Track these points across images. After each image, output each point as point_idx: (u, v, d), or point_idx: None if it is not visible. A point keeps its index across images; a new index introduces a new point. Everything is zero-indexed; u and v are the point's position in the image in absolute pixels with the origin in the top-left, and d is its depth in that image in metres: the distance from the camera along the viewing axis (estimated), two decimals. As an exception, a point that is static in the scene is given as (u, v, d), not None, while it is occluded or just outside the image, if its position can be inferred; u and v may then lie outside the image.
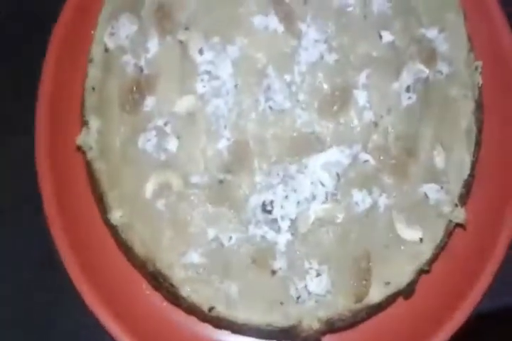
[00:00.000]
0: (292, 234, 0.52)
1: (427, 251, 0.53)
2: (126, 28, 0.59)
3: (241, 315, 0.51)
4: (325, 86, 0.55)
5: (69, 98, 0.60)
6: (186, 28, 0.58)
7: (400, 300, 0.56)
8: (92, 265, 0.55)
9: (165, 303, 0.55)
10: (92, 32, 0.60)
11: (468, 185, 0.56)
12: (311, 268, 0.52)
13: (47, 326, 0.58)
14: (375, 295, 0.52)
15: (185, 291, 0.51)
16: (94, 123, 0.56)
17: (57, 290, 0.57)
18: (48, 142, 0.57)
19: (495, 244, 0.56)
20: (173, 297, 0.53)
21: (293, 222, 0.52)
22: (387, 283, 0.52)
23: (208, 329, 0.55)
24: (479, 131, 0.58)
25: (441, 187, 0.54)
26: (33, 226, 0.58)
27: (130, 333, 0.53)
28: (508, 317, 0.62)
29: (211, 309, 0.51)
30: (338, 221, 0.52)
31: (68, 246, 0.55)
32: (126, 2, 0.60)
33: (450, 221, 0.55)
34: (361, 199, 0.53)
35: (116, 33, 0.59)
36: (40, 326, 0.58)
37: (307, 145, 0.54)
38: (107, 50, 0.59)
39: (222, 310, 0.51)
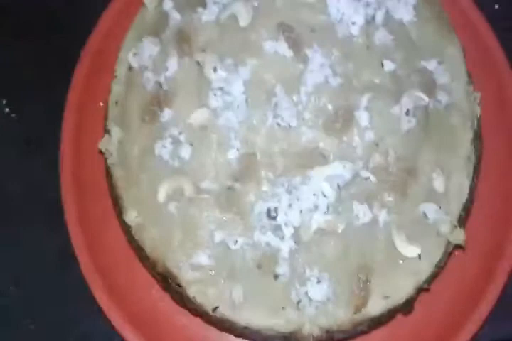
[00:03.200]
0: (295, 242, 0.55)
1: (425, 269, 0.55)
2: (149, 49, 0.64)
3: (244, 316, 0.54)
4: (329, 106, 0.59)
5: (93, 112, 0.66)
6: (203, 50, 0.63)
7: (400, 317, 0.58)
8: (106, 265, 0.59)
9: (172, 305, 0.58)
10: (118, 55, 0.66)
11: (467, 210, 0.59)
12: (312, 276, 0.54)
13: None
14: (374, 307, 0.54)
15: (192, 292, 0.54)
16: (115, 132, 0.61)
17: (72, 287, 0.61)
18: (72, 148, 0.62)
19: (495, 271, 0.58)
20: (180, 297, 0.56)
21: (296, 229, 0.55)
22: (386, 297, 0.54)
23: (212, 332, 0.57)
24: (478, 159, 0.61)
25: (440, 207, 0.57)
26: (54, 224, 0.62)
27: (138, 332, 0.56)
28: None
29: (215, 309, 0.54)
30: (339, 231, 0.54)
31: (84, 245, 0.59)
32: (149, 27, 0.67)
33: (449, 242, 0.57)
34: (362, 212, 0.55)
35: (140, 54, 0.65)
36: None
37: (311, 159, 0.57)
38: (130, 68, 0.65)
39: (225, 311, 0.54)
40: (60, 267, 0.62)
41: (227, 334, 0.57)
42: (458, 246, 0.58)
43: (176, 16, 0.65)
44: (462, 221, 0.58)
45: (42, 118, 0.68)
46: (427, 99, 0.59)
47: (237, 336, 0.57)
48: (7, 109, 0.70)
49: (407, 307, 0.56)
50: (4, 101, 0.70)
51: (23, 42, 0.73)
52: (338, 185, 0.55)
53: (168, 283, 0.56)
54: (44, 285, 0.62)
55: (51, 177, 0.62)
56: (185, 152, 0.58)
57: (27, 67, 0.71)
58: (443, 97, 0.60)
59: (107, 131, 0.61)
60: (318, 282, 0.54)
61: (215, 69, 0.62)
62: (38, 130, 0.68)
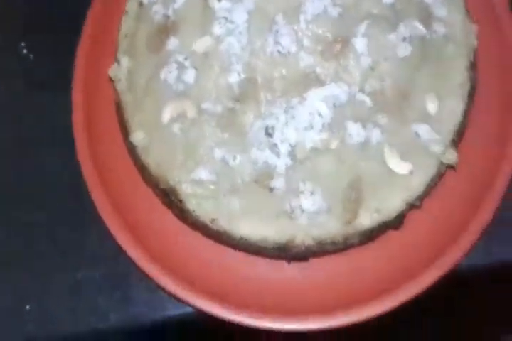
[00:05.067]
0: (291, 159, 0.57)
1: (416, 185, 0.57)
2: (158, -16, 0.68)
3: (241, 228, 0.56)
4: (327, 34, 0.60)
5: (105, 45, 0.69)
6: (209, -16, 0.66)
7: (391, 234, 0.59)
8: (113, 186, 0.62)
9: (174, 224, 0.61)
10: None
11: (460, 134, 0.60)
12: (305, 189, 0.56)
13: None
14: (365, 220, 0.56)
15: (191, 205, 0.57)
16: (124, 61, 0.64)
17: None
18: (84, 75, 0.65)
19: (488, 192, 0.58)
20: (181, 212, 0.59)
21: (292, 147, 0.57)
22: (378, 210, 0.56)
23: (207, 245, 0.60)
24: (473, 89, 0.62)
25: (432, 128, 0.58)
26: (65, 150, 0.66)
27: (137, 243, 0.60)
28: (501, 274, 0.64)
29: (213, 221, 0.57)
30: (332, 147, 0.56)
31: (93, 166, 0.62)
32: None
33: (441, 162, 0.58)
34: (355, 131, 0.57)
35: (149, -11, 0.68)
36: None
37: (309, 82, 0.59)
38: (141, 4, 0.68)
39: (223, 222, 0.57)
40: (73, 190, 0.66)
41: (225, 250, 0.60)
42: (450, 167, 0.59)
43: (182, -48, 0.67)
44: (455, 143, 0.59)
45: (59, 59, 0.70)
46: (423, 28, 0.60)
47: (235, 248, 0.60)
48: (25, 51, 0.74)
49: (397, 222, 0.58)
50: (23, 44, 0.74)
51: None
52: (334, 105, 0.57)
53: (171, 199, 0.58)
54: (60, 207, 0.66)
55: (62, 110, 0.65)
56: (190, 76, 0.61)
57: (43, 11, 0.75)
58: (440, 28, 0.61)
59: (117, 61, 0.65)
60: (312, 194, 0.56)
61: (219, 0, 0.64)
62: (55, 70, 0.71)
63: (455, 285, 0.60)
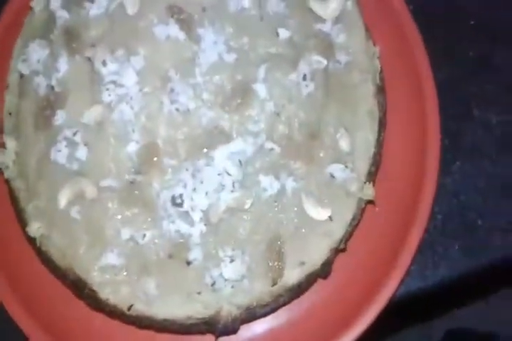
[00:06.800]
0: (205, 225, 0.53)
1: (337, 229, 0.54)
2: (38, 53, 0.61)
3: (161, 310, 0.51)
4: (226, 83, 0.57)
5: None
6: (92, 46, 0.60)
7: (321, 283, 0.56)
8: (19, 282, 0.56)
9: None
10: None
11: (376, 164, 0.57)
12: (225, 256, 0.52)
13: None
14: (292, 276, 0.52)
15: (105, 293, 0.52)
16: (10, 144, 0.58)
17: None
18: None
19: (412, 223, 0.56)
20: (95, 302, 0.53)
21: (205, 212, 0.53)
22: (302, 263, 0.52)
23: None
24: (383, 113, 0.59)
25: (346, 166, 0.55)
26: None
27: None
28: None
29: (130, 307, 0.51)
30: (247, 207, 0.52)
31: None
32: (38, 31, 0.64)
33: (360, 198, 0.55)
34: (268, 184, 0.53)
35: (29, 59, 0.62)
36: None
37: (214, 140, 0.55)
38: (21, 76, 0.62)
39: (141, 307, 0.51)
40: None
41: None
42: (370, 202, 0.56)
43: (63, 15, 0.62)
44: (372, 176, 0.56)
45: None
46: (325, 61, 0.57)
47: (158, 331, 0.54)
48: None
49: (324, 270, 0.54)
50: None
51: None
52: (240, 161, 0.53)
53: (81, 289, 0.53)
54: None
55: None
56: (82, 153, 0.55)
57: None
58: (341, 57, 0.58)
59: (2, 145, 0.58)
60: (232, 261, 0.51)
61: (104, 63, 0.59)
62: None
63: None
